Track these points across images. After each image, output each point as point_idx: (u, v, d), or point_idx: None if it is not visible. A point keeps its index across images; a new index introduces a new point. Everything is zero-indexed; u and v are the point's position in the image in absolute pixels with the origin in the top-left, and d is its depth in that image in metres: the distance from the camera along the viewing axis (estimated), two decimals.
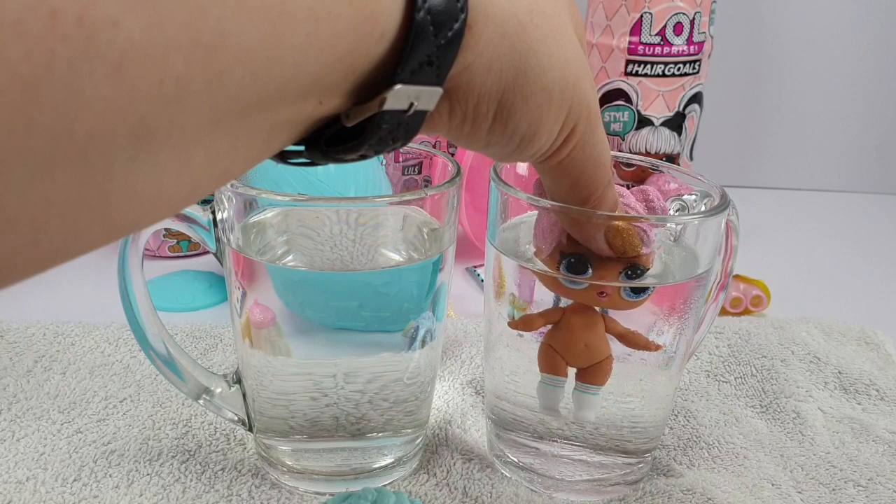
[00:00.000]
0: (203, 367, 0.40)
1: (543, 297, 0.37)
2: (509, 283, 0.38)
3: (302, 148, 0.23)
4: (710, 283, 0.40)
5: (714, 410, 0.48)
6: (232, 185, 0.35)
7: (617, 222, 0.31)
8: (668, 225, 0.37)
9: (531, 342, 0.38)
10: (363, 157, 0.23)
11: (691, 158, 0.74)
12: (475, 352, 0.53)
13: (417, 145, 0.42)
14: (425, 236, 0.39)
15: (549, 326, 0.36)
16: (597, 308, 0.35)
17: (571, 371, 0.36)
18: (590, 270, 0.33)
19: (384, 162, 0.43)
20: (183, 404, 0.46)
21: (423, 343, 0.39)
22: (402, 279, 0.37)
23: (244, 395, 0.40)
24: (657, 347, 0.36)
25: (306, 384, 0.38)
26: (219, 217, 0.37)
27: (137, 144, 0.15)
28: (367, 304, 0.37)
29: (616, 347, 0.37)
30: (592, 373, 0.35)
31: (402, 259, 0.39)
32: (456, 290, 0.64)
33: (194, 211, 0.37)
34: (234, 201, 0.36)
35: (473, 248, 0.69)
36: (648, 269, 0.33)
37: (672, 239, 0.39)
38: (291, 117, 0.20)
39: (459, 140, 0.26)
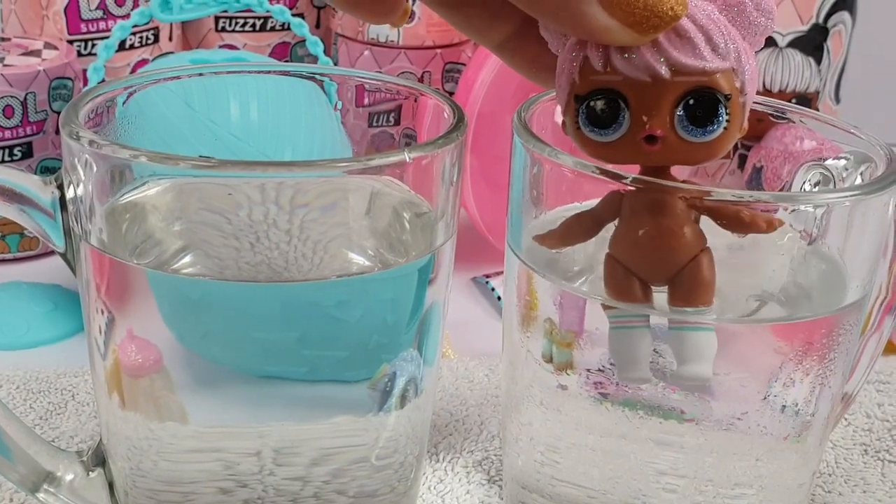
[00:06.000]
0: (44, 441, 0.34)
1: (599, 327, 0.29)
2: (544, 302, 0.31)
3: None
4: (870, 304, 0.32)
5: None
6: (91, 144, 0.27)
7: None
8: (801, 207, 0.30)
9: (579, 398, 0.31)
10: None
11: (838, 101, 0.64)
12: (489, 414, 0.44)
13: (395, 78, 0.33)
14: (407, 226, 0.32)
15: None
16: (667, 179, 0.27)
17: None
18: (624, 112, 0.25)
19: (339, 106, 0.34)
20: (11, 500, 0.38)
21: (404, 400, 0.32)
22: (369, 296, 0.30)
23: (111, 485, 0.33)
24: (778, 223, 0.28)
25: (213, 467, 0.31)
26: (69, 195, 0.29)
27: None
28: (311, 336, 0.30)
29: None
30: (688, 286, 0.27)
31: (368, 263, 0.33)
32: (456, 313, 0.53)
33: (29, 185, 0.29)
34: (96, 168, 0.28)
35: (484, 244, 0.57)
36: (725, 94, 0.25)
37: (807, 240, 0.31)
38: None
39: None
